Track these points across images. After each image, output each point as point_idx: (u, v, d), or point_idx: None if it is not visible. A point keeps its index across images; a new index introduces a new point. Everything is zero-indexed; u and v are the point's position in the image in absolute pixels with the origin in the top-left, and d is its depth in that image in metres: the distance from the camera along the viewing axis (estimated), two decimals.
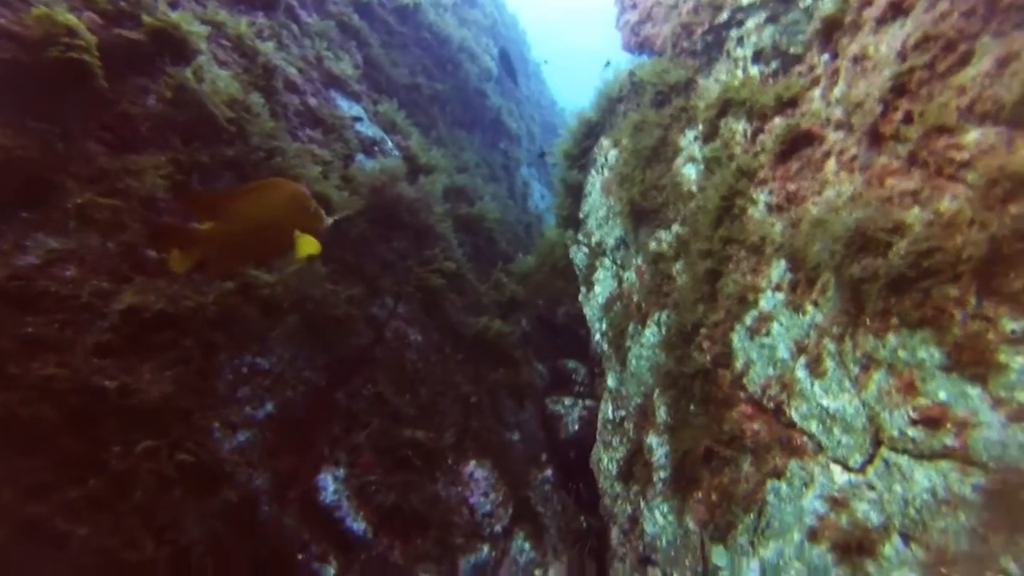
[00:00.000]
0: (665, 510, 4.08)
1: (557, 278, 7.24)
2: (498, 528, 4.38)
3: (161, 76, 3.83)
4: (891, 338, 2.57)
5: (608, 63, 7.27)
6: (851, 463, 2.78)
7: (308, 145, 5.23)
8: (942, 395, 2.40)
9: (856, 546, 2.56)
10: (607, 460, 5.12)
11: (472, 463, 4.58)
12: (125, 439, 2.93)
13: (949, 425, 2.38)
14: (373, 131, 7.13)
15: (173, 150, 3.69)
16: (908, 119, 2.52)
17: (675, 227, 4.64)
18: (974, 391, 2.30)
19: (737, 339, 3.70)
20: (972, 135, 2.31)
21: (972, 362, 2.30)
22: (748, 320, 3.62)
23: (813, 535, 2.84)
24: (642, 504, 4.43)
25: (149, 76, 3.80)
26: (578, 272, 6.47)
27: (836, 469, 2.87)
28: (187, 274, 2.90)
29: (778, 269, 3.48)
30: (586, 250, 6.34)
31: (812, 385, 3.08)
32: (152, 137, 3.64)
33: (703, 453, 3.52)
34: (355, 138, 6.43)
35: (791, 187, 3.39)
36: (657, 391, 4.31)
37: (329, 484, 3.77)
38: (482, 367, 5.29)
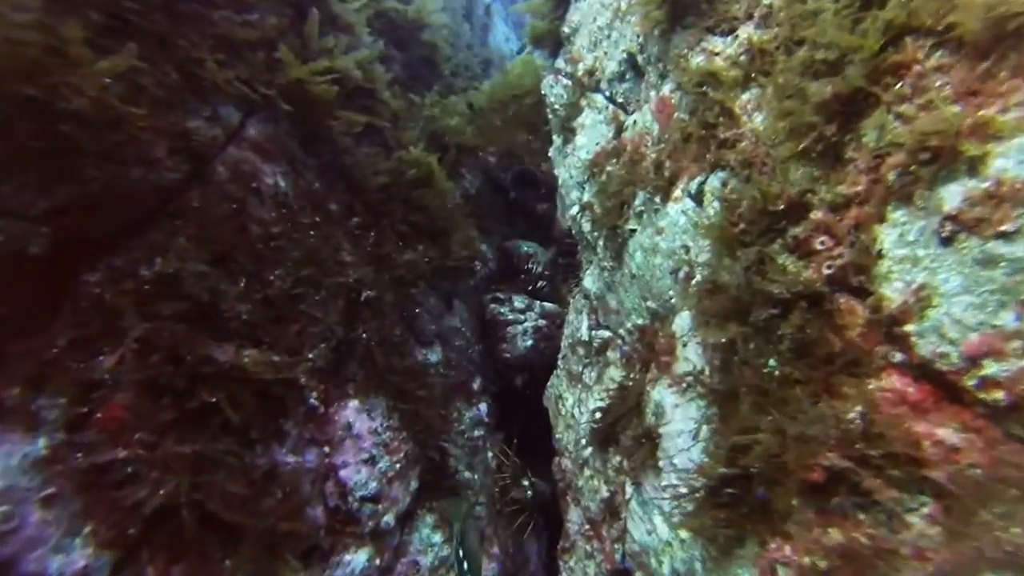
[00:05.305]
0: (675, 519, 2.37)
1: (519, 126, 5.07)
2: (388, 520, 2.58)
3: None
4: None
5: None
6: None
7: None
8: None
9: None
10: (572, 401, 3.35)
11: (352, 404, 2.66)
12: None
13: None
14: None
15: None
16: None
17: (746, 29, 2.50)
18: None
19: (890, 237, 1.78)
20: None
21: None
22: (939, 194, 1.69)
23: None
24: (629, 489, 2.72)
25: None
26: (551, 115, 4.33)
27: None
28: None
29: None
30: (567, 82, 4.18)
31: None
32: None
33: (808, 473, 1.71)
34: None
35: None
36: (689, 317, 2.43)
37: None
38: (389, 239, 3.18)
